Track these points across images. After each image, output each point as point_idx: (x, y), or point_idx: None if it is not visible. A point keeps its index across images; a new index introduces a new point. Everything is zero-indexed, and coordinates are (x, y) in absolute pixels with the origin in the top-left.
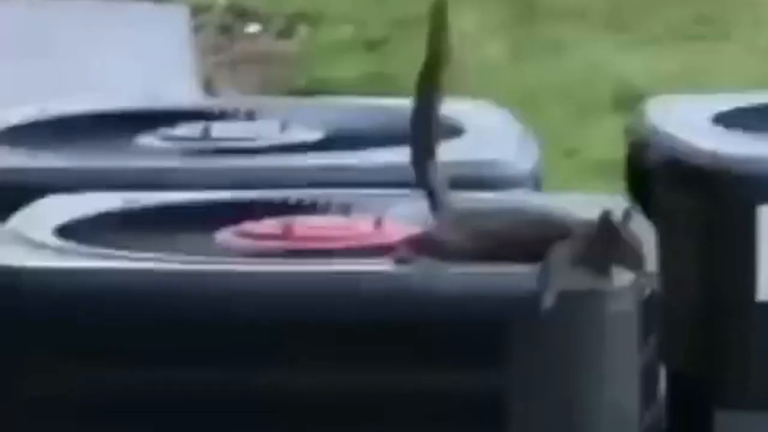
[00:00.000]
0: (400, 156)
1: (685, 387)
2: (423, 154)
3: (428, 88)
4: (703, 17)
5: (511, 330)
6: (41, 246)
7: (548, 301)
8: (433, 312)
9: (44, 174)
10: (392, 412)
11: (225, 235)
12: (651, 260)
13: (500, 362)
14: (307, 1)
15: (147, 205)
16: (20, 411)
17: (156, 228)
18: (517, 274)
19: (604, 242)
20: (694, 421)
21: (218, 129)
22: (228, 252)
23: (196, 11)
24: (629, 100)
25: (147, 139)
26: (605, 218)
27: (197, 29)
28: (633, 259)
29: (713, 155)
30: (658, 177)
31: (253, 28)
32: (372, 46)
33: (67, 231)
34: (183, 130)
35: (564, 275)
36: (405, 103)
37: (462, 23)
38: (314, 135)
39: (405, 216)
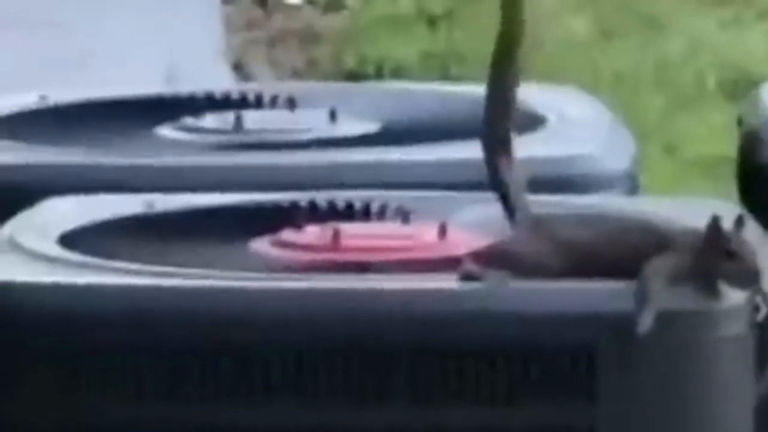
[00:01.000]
0: (468, 151)
1: None
2: (497, 149)
3: (503, 71)
4: None
5: (602, 357)
6: (41, 257)
7: (646, 323)
8: (508, 336)
9: (47, 172)
10: None
11: (261, 245)
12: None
13: (589, 394)
14: None
15: (169, 208)
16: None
17: (179, 236)
18: (608, 292)
19: (712, 254)
20: None
21: (253, 119)
22: (264, 266)
23: None
24: (739, 86)
25: (169, 131)
26: (713, 226)
27: (228, 0)
28: (746, 274)
29: None
30: None
31: None
32: (433, 21)
33: (72, 239)
34: (211, 120)
35: (664, 293)
36: (474, 89)
37: None
38: (367, 127)
39: (474, 223)
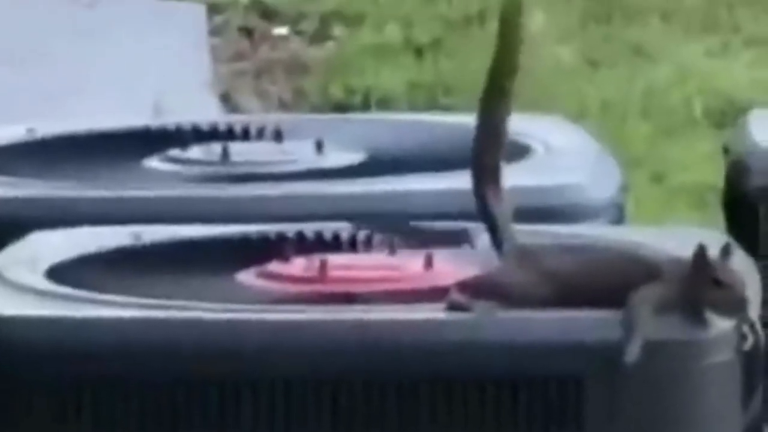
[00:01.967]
0: (455, 182)
1: None
2: (486, 179)
3: (494, 101)
4: None
5: (589, 387)
6: (29, 290)
7: (633, 352)
8: (495, 366)
9: (34, 205)
10: None
11: (248, 277)
12: (754, 304)
13: (574, 426)
14: None
15: (156, 240)
16: None
17: (167, 268)
18: (595, 321)
19: (699, 283)
20: None
21: (239, 150)
22: (251, 297)
23: (214, 10)
24: (726, 114)
25: (156, 163)
26: (700, 255)
27: (215, 31)
28: (733, 303)
29: None
30: (762, 206)
31: (280, 30)
32: (420, 50)
33: (60, 272)
34: (198, 151)
35: (651, 322)
36: (461, 119)
37: (528, 24)
38: (354, 158)
39: (461, 253)
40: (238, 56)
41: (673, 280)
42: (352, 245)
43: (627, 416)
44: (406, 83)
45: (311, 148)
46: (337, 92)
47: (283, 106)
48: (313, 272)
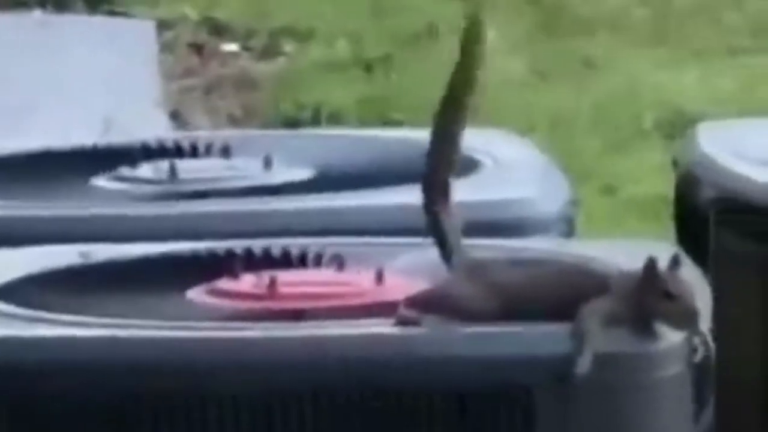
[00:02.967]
0: (405, 197)
1: None
2: (435, 193)
3: (451, 115)
4: (761, 27)
5: (539, 400)
6: None
7: (583, 365)
8: (443, 380)
9: None
10: None
11: (197, 294)
12: (705, 316)
13: None
14: (294, 14)
15: (105, 259)
16: None
17: (116, 286)
18: (544, 335)
19: (649, 296)
20: None
21: (187, 168)
22: (201, 314)
23: (164, 26)
24: (675, 126)
25: (104, 182)
26: (650, 267)
27: (164, 48)
28: (683, 315)
29: None
30: (712, 217)
31: (230, 46)
32: (370, 66)
33: (8, 292)
34: (146, 169)
35: (601, 335)
36: (410, 134)
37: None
38: (303, 173)
39: (411, 268)
40: (188, 73)
41: (624, 293)
42: (302, 261)
43: (578, 429)
44: (356, 99)
45: (260, 164)
46: (287, 108)
47: (234, 122)
48: (262, 289)
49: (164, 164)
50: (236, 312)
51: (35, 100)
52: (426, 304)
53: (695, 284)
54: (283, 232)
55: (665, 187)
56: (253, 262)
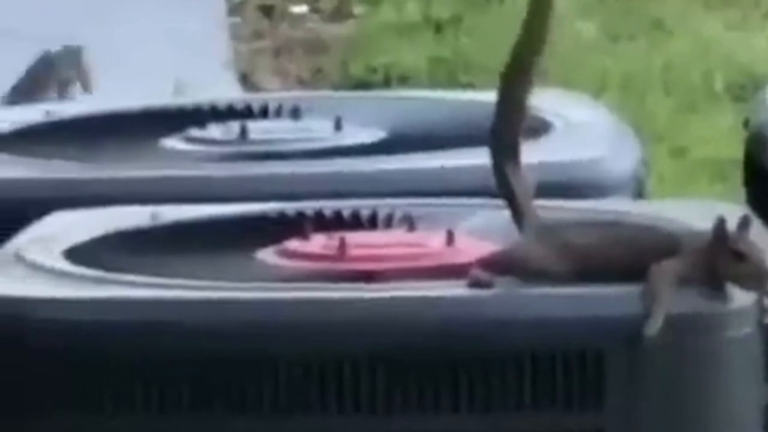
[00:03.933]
0: (475, 158)
1: None
2: (506, 155)
3: (517, 77)
4: None
5: (609, 361)
6: (48, 271)
7: (654, 326)
8: (515, 342)
9: (53, 186)
10: None
11: (267, 255)
12: None
13: (596, 400)
14: None
15: (175, 220)
16: None
17: (185, 248)
18: (615, 296)
19: (719, 257)
20: None
21: (258, 129)
22: (271, 275)
23: None
24: (745, 88)
25: (174, 143)
26: (720, 228)
27: (234, 11)
28: (754, 276)
29: None
30: None
31: (299, 8)
32: (440, 27)
33: (79, 253)
34: (216, 131)
35: (672, 296)
36: (481, 96)
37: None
38: (373, 135)
39: (481, 230)
40: (257, 35)
41: (694, 254)
42: (372, 223)
43: (648, 390)
44: (426, 60)
45: (330, 125)
46: (356, 70)
47: (303, 85)
48: (332, 250)
49: (234, 125)
50: (306, 273)
51: (104, 63)
52: (498, 265)
53: (765, 245)
54: (353, 193)
55: (735, 149)
56: (322, 223)
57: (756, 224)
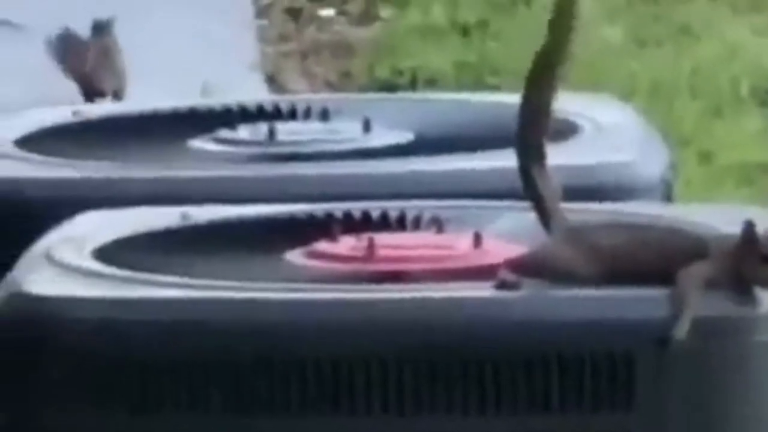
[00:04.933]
0: (502, 161)
1: None
2: (532, 157)
3: (541, 80)
4: None
5: (639, 363)
6: (77, 271)
7: (682, 329)
8: (542, 344)
9: (82, 185)
10: None
11: (295, 257)
12: None
13: (624, 402)
14: None
15: (203, 221)
16: None
17: (214, 248)
18: (643, 299)
19: (748, 260)
20: None
21: (286, 130)
22: (300, 277)
23: None
24: None
25: (203, 143)
26: (748, 232)
27: (261, 13)
28: None
29: None
30: None
31: (326, 11)
32: (467, 30)
33: (108, 253)
34: (245, 132)
35: (700, 299)
36: (507, 98)
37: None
38: (401, 137)
39: (509, 232)
40: (284, 38)
41: (722, 257)
42: (401, 224)
43: (676, 393)
44: (452, 64)
45: (358, 127)
46: (383, 73)
47: (330, 87)
48: (361, 251)
49: (263, 127)
50: (334, 274)
51: (131, 64)
52: (526, 267)
53: None
54: (382, 195)
55: (762, 153)
56: (351, 224)
57: None
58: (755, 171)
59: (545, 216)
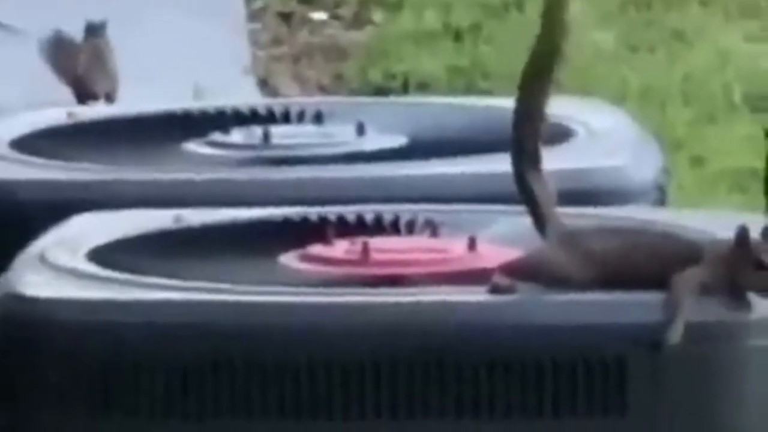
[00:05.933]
0: (496, 165)
1: None
2: (527, 162)
3: (534, 84)
4: None
5: (632, 368)
6: (71, 273)
7: (676, 334)
8: (536, 348)
9: (76, 188)
10: None
11: (289, 260)
12: None
13: (618, 406)
14: None
15: (197, 223)
16: None
17: (208, 251)
18: (637, 304)
19: (741, 265)
20: None
21: (280, 134)
22: (293, 280)
23: None
24: (764, 99)
25: (197, 147)
26: (742, 237)
27: (253, 16)
28: None
29: None
30: None
31: (319, 15)
32: (459, 35)
33: (102, 255)
34: (239, 135)
35: (693, 304)
36: (500, 103)
37: (571, 8)
38: (395, 141)
39: (503, 236)
40: (277, 41)
41: (716, 262)
42: (395, 228)
43: (669, 397)
44: (445, 68)
45: (352, 131)
46: (376, 77)
47: (322, 91)
48: (355, 255)
49: (257, 130)
50: (328, 277)
51: (124, 68)
52: (520, 271)
53: None
54: (375, 198)
55: (754, 159)
56: (345, 228)
57: None
58: (747, 177)
59: (540, 220)
